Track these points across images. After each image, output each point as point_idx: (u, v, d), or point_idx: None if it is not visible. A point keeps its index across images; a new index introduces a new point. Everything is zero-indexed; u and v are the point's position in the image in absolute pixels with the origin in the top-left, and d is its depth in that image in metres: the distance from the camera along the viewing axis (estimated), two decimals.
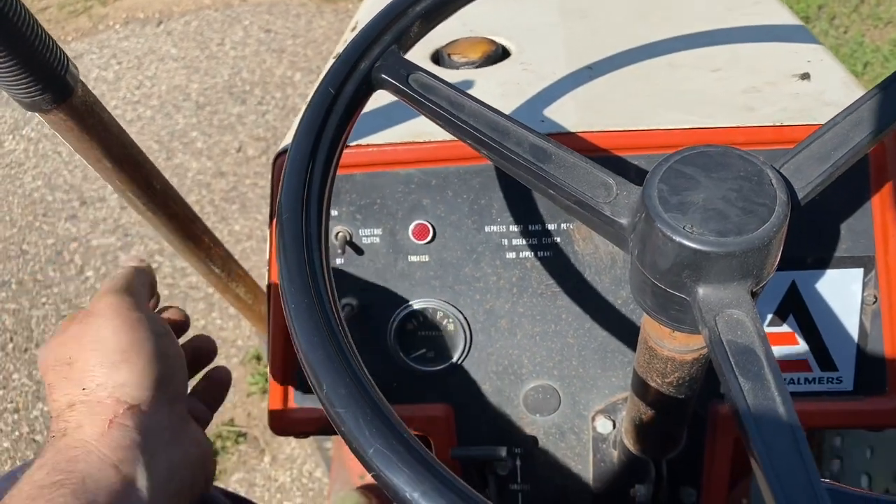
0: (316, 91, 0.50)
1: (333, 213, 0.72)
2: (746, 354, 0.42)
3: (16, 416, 1.96)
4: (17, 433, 1.93)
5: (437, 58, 0.84)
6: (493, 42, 0.83)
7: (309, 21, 3.46)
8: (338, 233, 0.72)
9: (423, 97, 0.51)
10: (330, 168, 0.47)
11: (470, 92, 0.77)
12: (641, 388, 0.62)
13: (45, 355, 0.52)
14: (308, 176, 0.46)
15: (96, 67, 3.33)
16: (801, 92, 0.70)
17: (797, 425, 0.39)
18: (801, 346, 0.71)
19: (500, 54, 0.83)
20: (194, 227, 0.78)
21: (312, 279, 0.42)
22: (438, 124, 0.51)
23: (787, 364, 0.71)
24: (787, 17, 0.84)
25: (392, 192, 0.71)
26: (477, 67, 0.81)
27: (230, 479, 1.84)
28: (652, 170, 0.46)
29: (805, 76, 0.73)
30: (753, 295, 0.48)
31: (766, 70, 0.74)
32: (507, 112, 0.72)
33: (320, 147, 0.47)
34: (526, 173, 0.49)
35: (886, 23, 3.13)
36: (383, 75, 0.51)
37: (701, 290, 0.45)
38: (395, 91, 0.52)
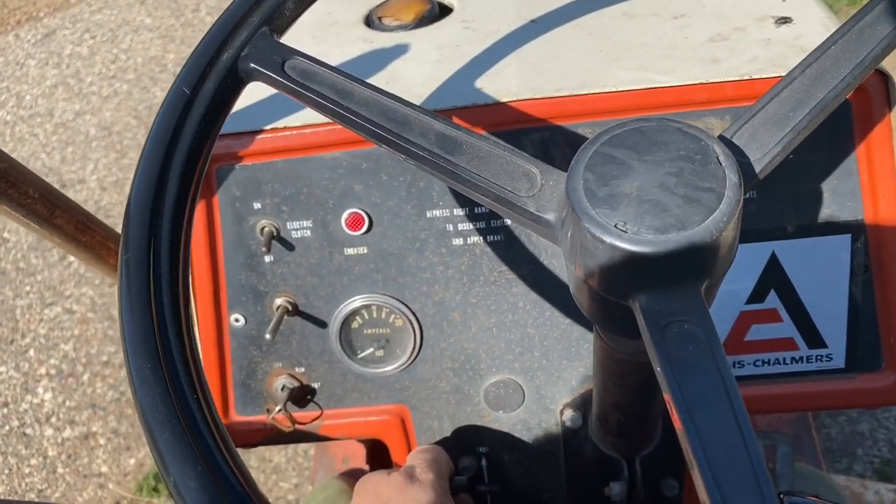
0: (168, 93, 0.42)
1: (256, 205, 0.64)
2: (700, 377, 0.35)
3: (5, 411, 1.93)
4: (7, 427, 1.90)
5: (369, 21, 0.76)
6: (427, 0, 0.74)
7: None
8: (262, 227, 0.65)
9: (303, 86, 0.43)
10: (190, 186, 0.40)
11: (404, 57, 0.69)
12: (602, 389, 0.55)
13: (372, 483, 0.58)
14: (159, 202, 0.38)
15: (70, 43, 3.22)
16: (773, 38, 0.61)
17: (762, 469, 0.32)
18: (785, 324, 0.63)
19: (436, 13, 0.74)
20: (92, 233, 0.71)
21: (162, 343, 0.35)
22: (326, 116, 0.43)
23: (772, 343, 0.64)
24: None
25: (319, 178, 0.63)
26: (412, 29, 0.73)
27: None
28: (576, 155, 0.38)
29: (785, 20, 0.64)
30: (709, 294, 0.40)
31: (734, 14, 0.66)
32: (442, 79, 0.64)
33: (173, 162, 0.39)
34: (433, 168, 0.42)
35: None
36: (253, 64, 0.44)
37: (644, 297, 0.37)
38: (270, 82, 0.44)
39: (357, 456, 1.13)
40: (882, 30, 0.40)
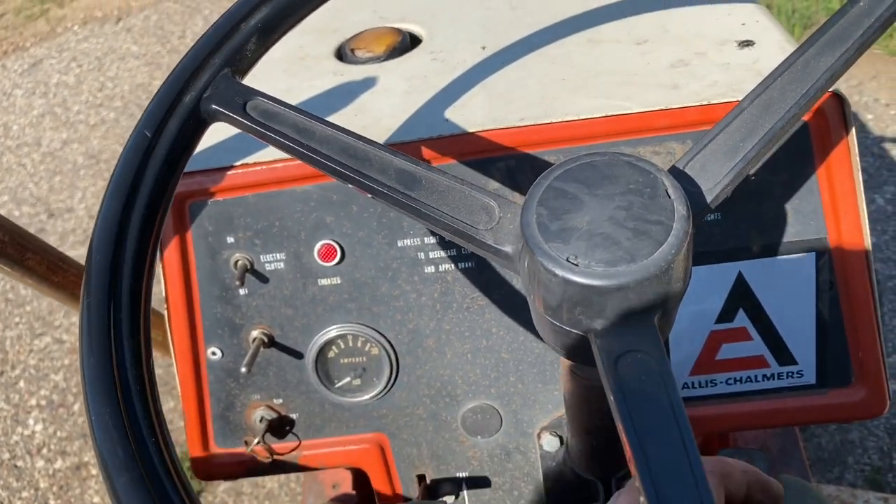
0: (130, 136, 0.43)
1: (229, 239, 0.65)
2: (651, 407, 0.36)
3: None
4: None
5: (341, 54, 0.77)
6: (398, 32, 0.76)
7: None
8: (236, 261, 0.65)
9: (265, 126, 0.44)
10: (152, 230, 0.40)
11: (374, 90, 0.70)
12: (572, 415, 0.56)
13: None
14: (120, 246, 0.39)
15: (56, 72, 3.24)
16: (732, 62, 0.63)
17: (708, 496, 0.33)
18: (755, 342, 0.64)
19: (407, 44, 0.75)
20: (65, 273, 0.71)
21: (122, 388, 0.35)
22: (289, 154, 0.44)
23: (743, 362, 0.65)
24: None
25: (290, 212, 0.64)
26: (383, 61, 0.74)
27: (217, 489, 1.80)
28: (530, 189, 0.39)
29: (747, 43, 0.65)
30: (664, 322, 0.41)
31: (695, 39, 0.67)
32: (410, 111, 0.66)
33: (135, 206, 0.40)
34: (394, 203, 0.43)
35: None
36: (215, 106, 0.44)
37: (598, 329, 0.38)
38: (232, 122, 0.45)
39: (346, 482, 1.13)
40: (826, 61, 0.41)
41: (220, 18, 0.46)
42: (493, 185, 0.62)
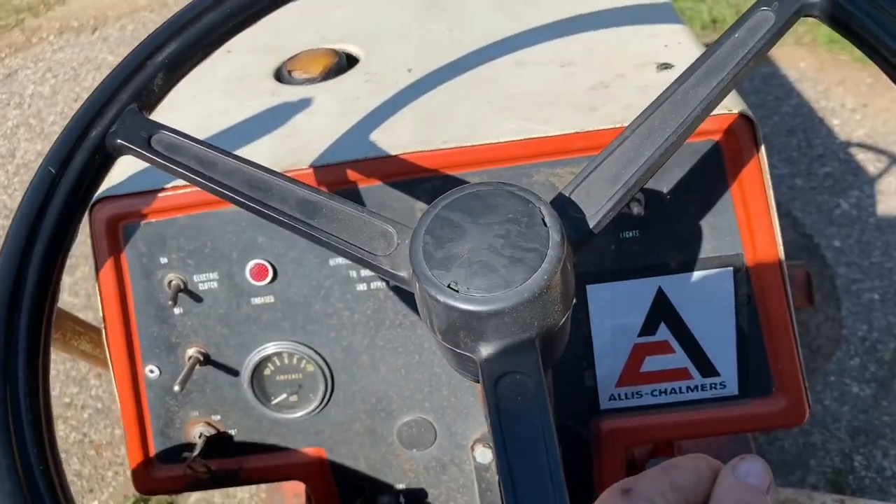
0: (35, 173, 0.44)
1: (162, 260, 0.66)
2: (522, 429, 0.37)
3: None
4: None
5: (279, 75, 0.78)
6: (335, 53, 0.77)
7: None
8: (170, 281, 0.66)
9: (169, 160, 0.45)
10: (55, 264, 0.42)
11: (307, 111, 0.72)
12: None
13: None
14: (18, 292, 0.40)
15: (31, 83, 3.23)
16: (650, 84, 0.64)
17: None
18: (677, 354, 0.66)
19: (344, 65, 0.77)
20: None
21: (16, 433, 0.36)
22: (195, 185, 0.46)
23: (667, 374, 0.67)
24: None
25: (222, 232, 0.66)
26: (320, 82, 0.75)
27: (188, 500, 1.80)
28: (420, 219, 0.41)
29: (666, 66, 0.67)
30: (550, 343, 0.43)
31: (618, 61, 0.69)
32: (340, 132, 0.67)
33: (37, 241, 0.41)
34: (296, 231, 0.44)
35: None
36: (120, 141, 0.46)
37: (482, 351, 0.40)
38: (138, 156, 0.46)
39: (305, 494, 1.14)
40: (702, 91, 0.43)
41: (127, 55, 0.48)
42: (419, 205, 0.63)
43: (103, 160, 0.46)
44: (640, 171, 0.42)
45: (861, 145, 2.32)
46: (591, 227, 0.42)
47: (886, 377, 1.73)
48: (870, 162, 2.25)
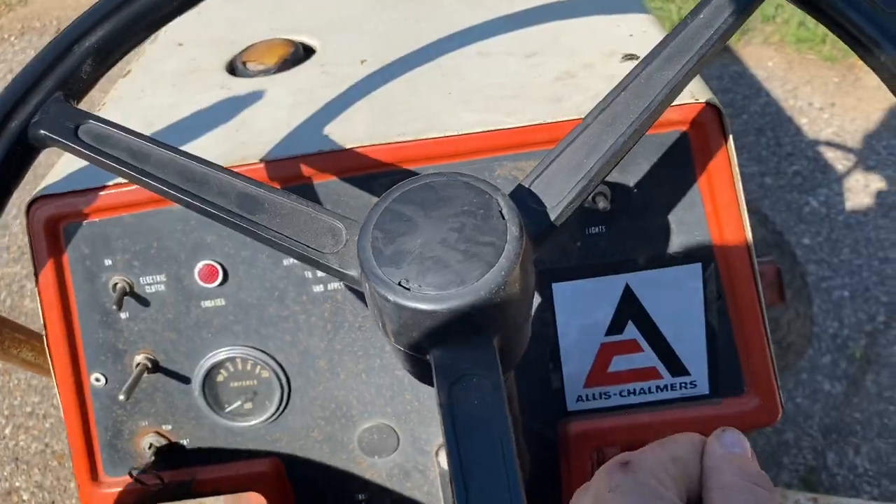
0: None
1: (107, 262, 0.63)
2: (479, 432, 0.35)
3: None
4: None
5: (232, 67, 0.75)
6: (291, 43, 0.74)
7: None
8: (115, 284, 0.63)
9: (97, 151, 0.42)
10: None
11: (259, 103, 0.69)
12: None
13: None
14: None
15: None
16: (617, 74, 0.62)
17: None
18: (646, 353, 0.64)
19: (300, 56, 0.74)
20: None
21: None
22: (125, 179, 0.42)
23: (635, 373, 0.64)
24: None
25: (169, 231, 0.62)
26: (274, 73, 0.72)
27: None
28: (368, 213, 0.38)
29: (630, 57, 0.65)
30: (510, 343, 0.40)
31: (585, 50, 0.66)
32: (293, 125, 0.64)
33: None
34: (235, 227, 0.41)
35: None
36: (44, 131, 0.43)
37: (437, 352, 0.37)
38: (63, 147, 0.43)
39: None
40: (667, 74, 0.41)
41: (52, 40, 0.45)
42: (375, 201, 0.61)
43: (26, 152, 0.42)
44: (602, 159, 0.40)
45: (829, 144, 2.32)
46: (552, 219, 0.39)
47: (857, 374, 1.73)
48: (838, 160, 2.26)
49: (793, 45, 2.70)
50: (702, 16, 0.41)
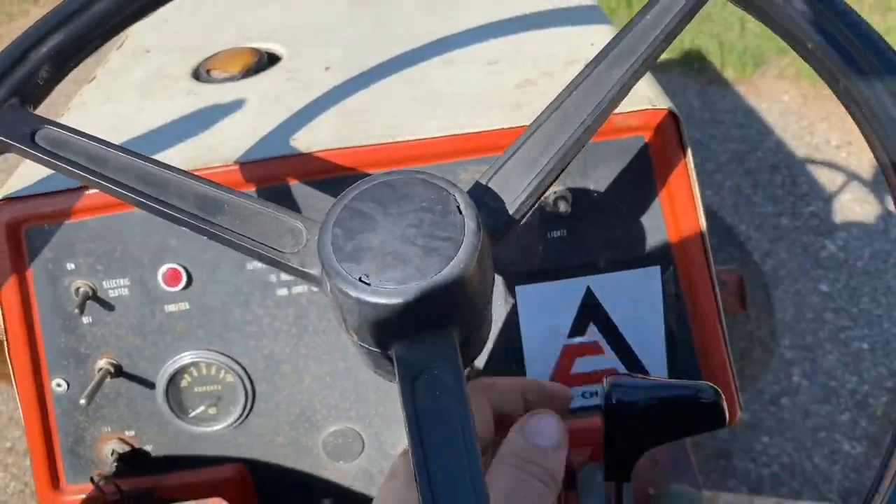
0: None
1: (69, 266, 0.63)
2: (440, 423, 0.35)
3: None
4: None
5: (197, 74, 0.75)
6: (256, 51, 0.75)
7: None
8: (78, 288, 0.63)
9: (55, 156, 0.42)
10: None
11: (224, 109, 0.69)
12: None
13: None
14: None
15: None
16: None
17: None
18: (607, 355, 0.65)
19: (265, 63, 0.74)
20: None
21: None
22: (84, 183, 0.43)
23: (597, 375, 0.65)
24: None
25: (132, 235, 0.62)
26: (239, 80, 0.73)
27: None
28: (328, 210, 0.39)
29: None
30: (471, 340, 0.41)
31: (545, 59, 0.68)
32: (259, 132, 0.65)
33: None
34: (197, 230, 0.42)
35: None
36: (0, 137, 0.43)
37: (398, 347, 0.38)
38: (20, 153, 0.43)
39: None
40: (616, 73, 0.42)
41: (8, 46, 0.45)
42: None
43: None
44: (556, 157, 0.41)
45: (847, 184, 2.21)
46: (510, 214, 0.40)
47: (879, 434, 1.61)
48: (856, 202, 2.15)
49: (808, 79, 2.59)
50: (648, 17, 0.43)
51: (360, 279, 0.37)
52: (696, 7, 0.43)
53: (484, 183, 0.41)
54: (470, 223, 0.37)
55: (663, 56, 0.46)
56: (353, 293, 0.36)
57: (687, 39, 2.84)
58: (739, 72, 2.75)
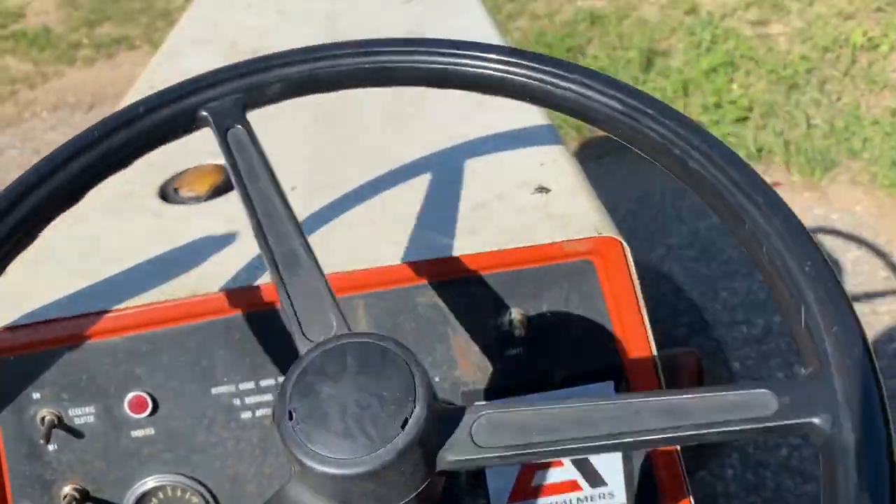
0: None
1: (35, 395, 0.64)
2: None
3: None
4: None
5: (164, 193, 0.77)
6: (222, 169, 0.77)
7: None
8: (43, 417, 0.64)
9: (230, 153, 0.51)
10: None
11: (189, 233, 0.71)
12: None
13: None
14: None
15: (16, 166, 3.01)
16: (527, 205, 0.67)
17: None
18: (566, 466, 0.67)
19: (231, 183, 0.77)
20: None
21: None
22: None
23: (557, 487, 0.67)
24: (533, 117, 0.81)
25: (98, 365, 0.63)
26: (206, 200, 0.75)
27: None
28: (283, 382, 0.41)
29: (541, 190, 0.70)
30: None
31: (498, 181, 0.71)
32: (225, 256, 0.67)
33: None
34: (273, 276, 0.48)
35: (882, 87, 2.64)
36: (207, 114, 0.52)
37: None
38: (214, 134, 0.53)
39: None
40: (649, 423, 0.38)
41: (264, 55, 0.54)
42: None
43: (185, 124, 0.54)
44: (546, 447, 0.39)
45: None
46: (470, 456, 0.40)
47: None
48: None
49: (885, 189, 2.27)
50: (735, 396, 0.38)
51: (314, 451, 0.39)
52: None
53: (476, 413, 0.41)
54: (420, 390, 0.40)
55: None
56: (308, 463, 0.38)
57: (750, 137, 2.53)
58: (808, 175, 2.41)
